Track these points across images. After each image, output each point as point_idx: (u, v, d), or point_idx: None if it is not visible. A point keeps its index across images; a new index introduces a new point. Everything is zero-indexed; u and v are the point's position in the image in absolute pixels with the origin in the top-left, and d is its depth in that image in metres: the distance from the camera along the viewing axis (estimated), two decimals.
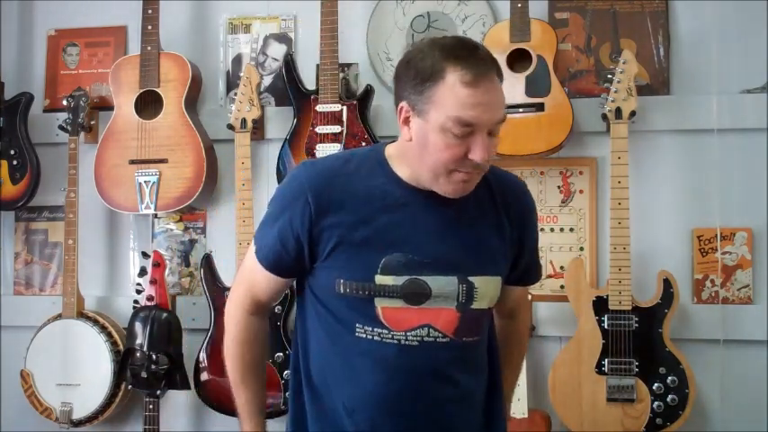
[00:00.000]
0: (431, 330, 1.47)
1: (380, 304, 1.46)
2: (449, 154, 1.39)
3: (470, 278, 1.49)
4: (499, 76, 1.43)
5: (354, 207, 1.47)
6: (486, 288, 1.51)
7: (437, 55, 1.40)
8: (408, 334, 1.47)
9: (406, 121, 1.45)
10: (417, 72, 1.41)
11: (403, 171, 1.49)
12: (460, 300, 1.48)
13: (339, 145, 2.45)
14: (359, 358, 1.47)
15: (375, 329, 1.47)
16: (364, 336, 1.48)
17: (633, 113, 2.27)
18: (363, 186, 1.49)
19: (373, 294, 1.46)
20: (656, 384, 2.22)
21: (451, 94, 1.37)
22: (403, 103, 1.44)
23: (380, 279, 1.46)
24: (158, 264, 2.49)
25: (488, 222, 1.54)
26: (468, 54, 1.39)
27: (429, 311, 1.47)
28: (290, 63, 2.56)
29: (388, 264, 1.46)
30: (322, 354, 1.53)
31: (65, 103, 2.61)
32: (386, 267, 1.46)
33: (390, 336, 1.47)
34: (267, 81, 2.69)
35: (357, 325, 1.48)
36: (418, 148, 1.44)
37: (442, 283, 1.47)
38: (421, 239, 1.48)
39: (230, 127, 2.50)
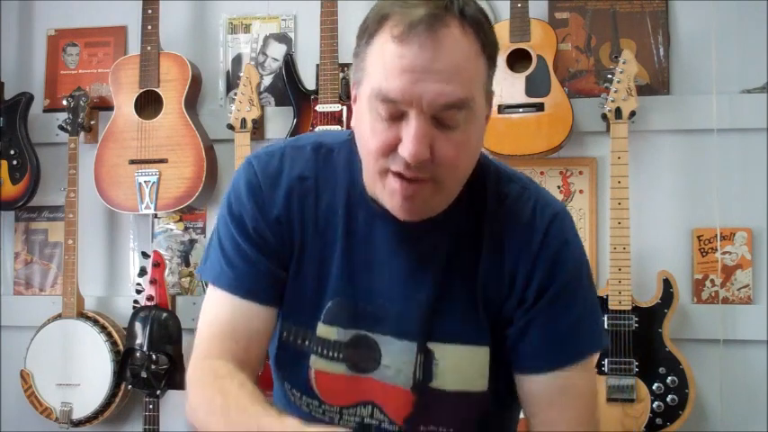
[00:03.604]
0: (375, 411, 1.09)
1: (315, 365, 1.10)
2: (374, 142, 0.98)
3: (431, 345, 1.06)
4: (471, 27, 0.96)
5: (314, 227, 1.10)
6: (456, 361, 1.07)
7: (381, 2, 0.99)
8: (344, 411, 1.10)
9: (355, 100, 1.06)
10: (361, 29, 1.02)
11: (370, 186, 1.08)
12: (417, 376, 1.06)
13: None
14: None
15: (304, 397, 1.11)
16: (293, 400, 1.13)
17: (633, 113, 2.27)
18: (326, 198, 1.11)
19: (309, 349, 1.10)
20: (655, 384, 2.22)
21: (380, 54, 0.96)
22: (351, 76, 1.05)
23: (322, 330, 1.09)
24: (158, 264, 2.49)
25: (469, 269, 1.07)
26: None
27: (375, 385, 1.08)
28: (289, 63, 2.56)
29: (333, 310, 1.08)
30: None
31: (65, 103, 2.61)
32: (330, 314, 1.08)
33: (321, 410, 1.11)
34: (267, 81, 2.69)
35: (288, 387, 1.14)
36: (358, 139, 1.04)
37: (395, 351, 1.07)
38: (380, 284, 1.08)
39: (230, 127, 2.50)
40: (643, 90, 2.40)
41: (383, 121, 0.96)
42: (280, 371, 1.16)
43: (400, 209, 1.00)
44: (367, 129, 0.99)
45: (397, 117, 0.96)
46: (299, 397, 1.12)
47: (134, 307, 2.48)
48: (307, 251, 1.10)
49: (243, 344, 1.07)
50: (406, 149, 0.94)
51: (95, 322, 2.55)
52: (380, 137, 0.97)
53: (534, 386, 1.07)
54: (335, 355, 1.08)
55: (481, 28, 0.98)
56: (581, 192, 2.47)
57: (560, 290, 1.06)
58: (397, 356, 1.07)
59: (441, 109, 0.94)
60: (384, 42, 0.95)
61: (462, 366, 1.07)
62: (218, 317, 1.10)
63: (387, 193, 1.00)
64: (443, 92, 0.93)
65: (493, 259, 1.07)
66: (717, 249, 2.37)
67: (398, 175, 0.97)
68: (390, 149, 0.97)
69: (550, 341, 1.06)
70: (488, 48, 1.00)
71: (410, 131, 0.94)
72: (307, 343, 1.10)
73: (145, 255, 2.54)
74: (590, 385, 1.10)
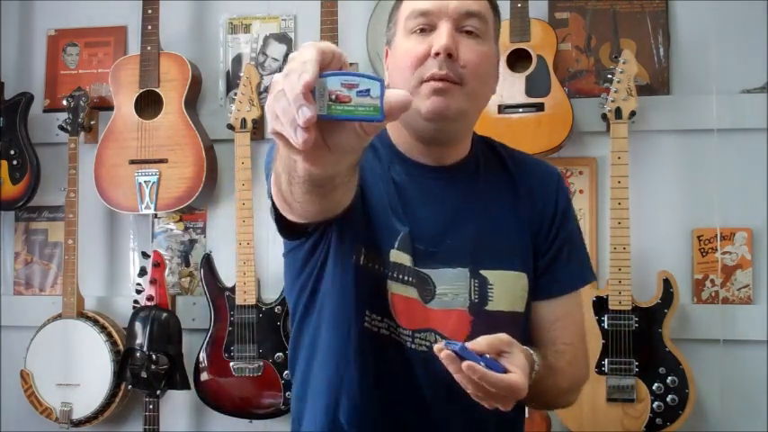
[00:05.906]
0: (436, 337, 1.19)
1: (392, 290, 1.19)
2: (413, 56, 1.19)
3: (483, 272, 1.22)
4: None
5: (369, 164, 1.23)
6: (506, 285, 1.23)
7: None
8: (416, 335, 1.20)
9: (387, 55, 1.31)
10: (390, 14, 1.31)
11: (400, 143, 1.28)
12: (473, 299, 1.20)
13: None
14: (361, 359, 1.18)
15: (384, 320, 1.19)
16: (370, 327, 1.19)
17: (633, 113, 2.27)
18: (370, 150, 1.25)
19: (386, 274, 1.19)
20: (655, 384, 2.22)
21: (408, 1, 1.25)
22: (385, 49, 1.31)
23: (396, 255, 1.19)
24: (158, 264, 2.49)
25: (506, 206, 1.28)
26: None
27: (435, 313, 1.20)
28: None
29: (405, 239, 1.19)
30: (322, 358, 1.24)
31: (65, 103, 2.61)
32: (403, 243, 1.19)
33: (398, 333, 1.19)
34: (267, 81, 2.69)
35: (367, 312, 1.19)
36: (393, 75, 1.25)
37: (449, 278, 1.20)
38: (427, 222, 1.22)
39: (230, 127, 2.50)
40: (643, 90, 2.40)
41: (417, 35, 1.19)
42: (361, 299, 1.20)
43: (432, 104, 1.17)
44: (403, 52, 1.20)
45: (428, 30, 1.19)
46: (380, 320, 1.20)
47: (134, 307, 2.48)
48: (377, 187, 1.23)
49: None
50: (438, 44, 1.16)
51: (95, 322, 2.55)
52: (415, 49, 1.18)
53: (545, 311, 1.30)
54: (408, 279, 1.20)
55: None
56: (581, 192, 2.47)
57: (570, 231, 1.33)
58: (452, 283, 1.20)
59: (464, 17, 1.19)
60: None
61: (511, 289, 1.24)
62: None
63: (423, 96, 1.18)
64: (465, 3, 1.19)
65: (528, 200, 1.30)
66: (717, 249, 2.37)
67: (431, 77, 1.17)
68: (424, 58, 1.17)
69: (566, 271, 1.30)
70: (493, 3, 1.26)
71: (441, 32, 1.17)
72: (382, 268, 1.19)
73: (145, 255, 2.54)
74: (581, 312, 1.37)
